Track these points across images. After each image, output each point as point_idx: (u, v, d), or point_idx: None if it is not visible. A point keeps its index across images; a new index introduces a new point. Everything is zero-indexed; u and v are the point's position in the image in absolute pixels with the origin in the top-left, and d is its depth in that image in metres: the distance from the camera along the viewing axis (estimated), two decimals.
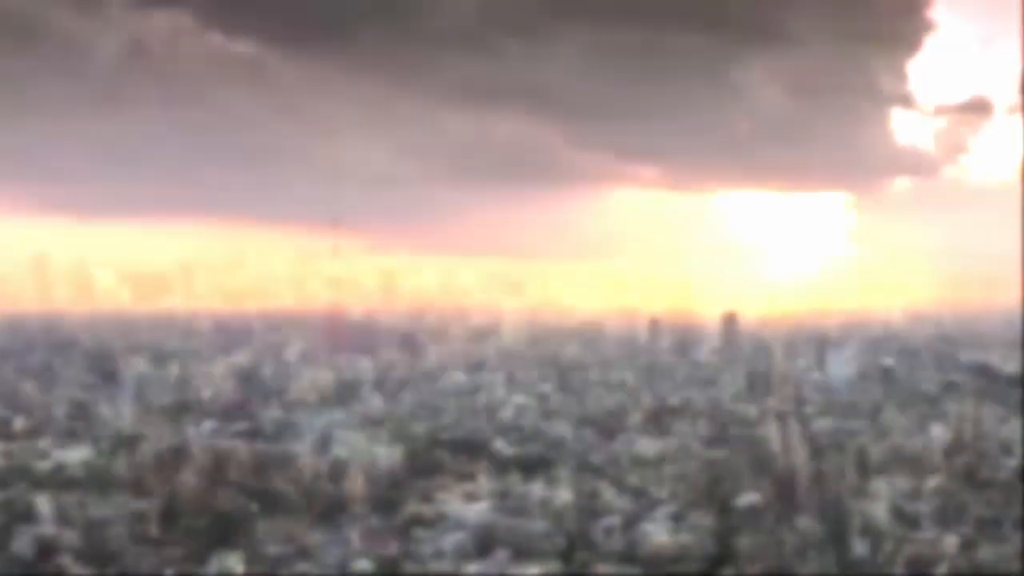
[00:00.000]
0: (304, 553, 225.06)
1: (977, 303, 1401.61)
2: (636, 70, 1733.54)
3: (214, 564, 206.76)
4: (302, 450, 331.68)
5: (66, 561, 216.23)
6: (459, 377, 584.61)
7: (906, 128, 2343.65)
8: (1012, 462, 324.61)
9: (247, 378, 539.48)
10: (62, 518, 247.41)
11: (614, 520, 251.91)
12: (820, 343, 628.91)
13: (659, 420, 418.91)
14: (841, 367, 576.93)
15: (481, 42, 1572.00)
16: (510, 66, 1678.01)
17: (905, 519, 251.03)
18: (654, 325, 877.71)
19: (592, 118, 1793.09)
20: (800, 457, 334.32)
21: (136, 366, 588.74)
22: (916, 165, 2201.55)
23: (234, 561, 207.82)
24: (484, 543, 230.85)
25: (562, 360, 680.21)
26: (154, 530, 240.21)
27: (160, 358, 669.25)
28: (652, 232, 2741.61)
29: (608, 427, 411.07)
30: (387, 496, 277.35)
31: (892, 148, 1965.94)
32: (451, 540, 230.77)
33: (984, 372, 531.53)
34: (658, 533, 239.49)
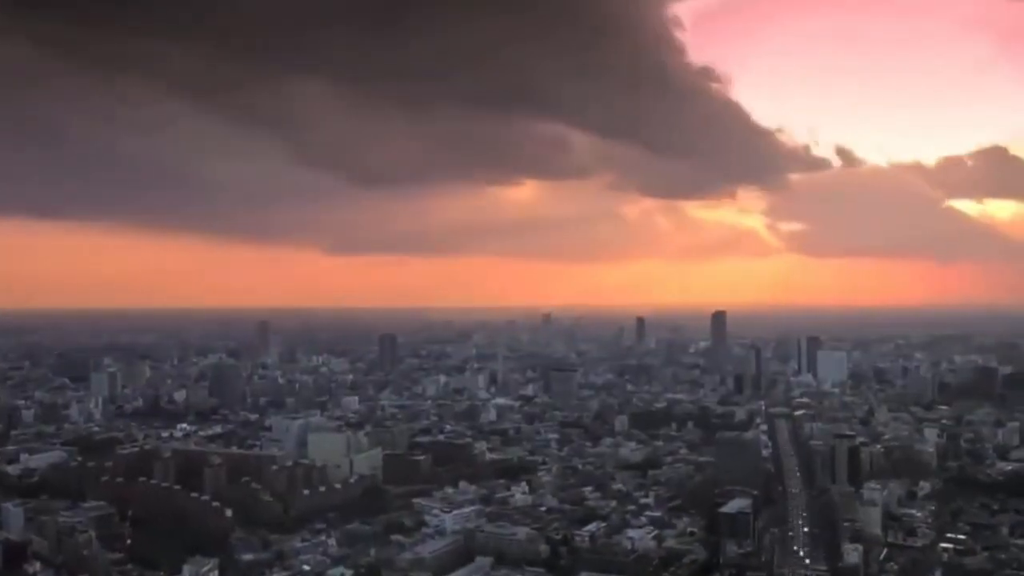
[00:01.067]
0: (280, 560, 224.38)
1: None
2: None
3: (188, 571, 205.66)
4: (278, 454, 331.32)
5: (35, 568, 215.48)
6: (439, 378, 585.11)
7: None
8: (1008, 466, 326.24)
9: (222, 379, 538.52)
10: (32, 524, 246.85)
11: (599, 526, 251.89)
12: (811, 344, 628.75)
13: (646, 423, 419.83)
14: (832, 368, 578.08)
15: None
16: None
17: (899, 524, 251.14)
18: (640, 324, 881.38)
19: None
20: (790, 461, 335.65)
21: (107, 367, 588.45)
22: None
23: (208, 568, 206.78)
24: (466, 550, 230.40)
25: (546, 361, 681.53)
26: (126, 537, 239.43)
27: (132, 358, 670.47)
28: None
29: (593, 430, 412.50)
30: (365, 501, 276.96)
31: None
32: (431, 547, 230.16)
33: (980, 373, 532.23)
34: (645, 539, 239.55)
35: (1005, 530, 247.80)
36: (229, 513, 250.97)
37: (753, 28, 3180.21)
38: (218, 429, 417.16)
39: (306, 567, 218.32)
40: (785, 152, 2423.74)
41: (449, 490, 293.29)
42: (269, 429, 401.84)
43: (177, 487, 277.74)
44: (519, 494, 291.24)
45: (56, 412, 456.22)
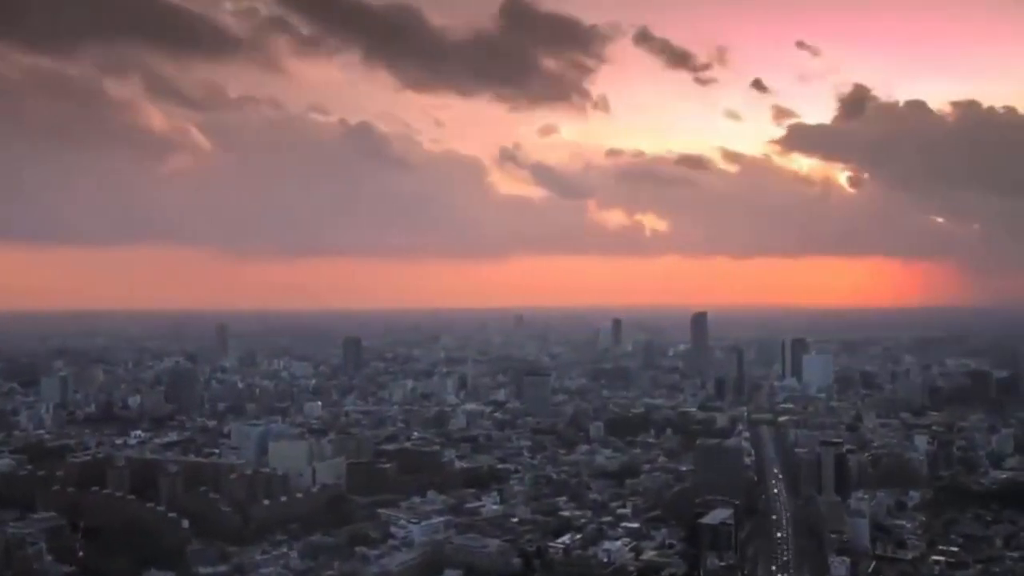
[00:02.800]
0: (239, 573, 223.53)
1: None
2: None
3: None
4: (237, 462, 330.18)
5: None
6: (406, 383, 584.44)
7: None
8: (1003, 475, 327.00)
9: (178, 384, 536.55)
10: None
11: (574, 538, 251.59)
12: (795, 346, 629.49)
13: (622, 430, 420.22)
14: (818, 372, 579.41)
15: None
16: None
17: (888, 536, 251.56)
18: (616, 326, 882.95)
19: None
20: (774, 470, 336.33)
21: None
22: None
23: None
24: (434, 563, 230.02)
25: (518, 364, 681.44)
26: (78, 549, 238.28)
27: (84, 362, 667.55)
28: None
29: (567, 437, 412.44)
30: (329, 512, 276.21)
31: None
32: (398, 559, 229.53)
33: (973, 377, 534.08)
34: (621, 551, 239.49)
35: (999, 542, 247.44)
36: (186, 524, 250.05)
37: None
38: (174, 436, 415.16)
39: None
40: None
41: (416, 500, 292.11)
42: (228, 436, 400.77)
43: (131, 497, 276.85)
44: (490, 504, 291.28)
45: (5, 419, 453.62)
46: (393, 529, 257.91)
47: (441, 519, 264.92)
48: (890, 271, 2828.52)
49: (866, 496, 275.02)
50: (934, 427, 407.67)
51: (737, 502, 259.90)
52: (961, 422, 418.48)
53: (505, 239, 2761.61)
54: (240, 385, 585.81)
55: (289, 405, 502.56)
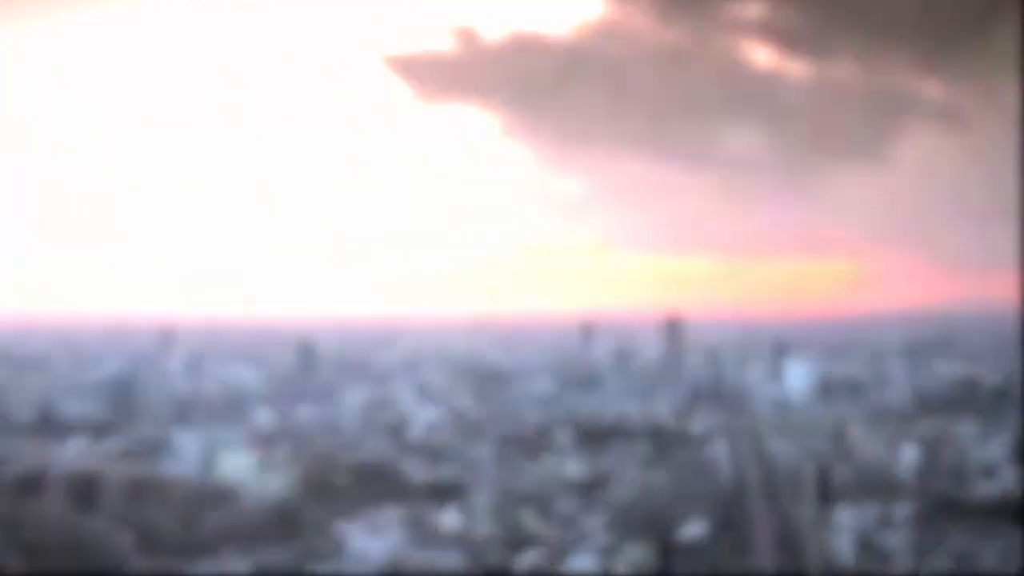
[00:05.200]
0: None
1: None
2: None
3: None
4: (182, 473, 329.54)
5: None
6: (361, 389, 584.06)
7: None
8: (995, 486, 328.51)
9: (120, 390, 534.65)
10: None
11: (539, 554, 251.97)
12: (776, 350, 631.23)
13: (591, 439, 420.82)
14: (799, 378, 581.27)
15: None
16: None
17: (873, 552, 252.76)
18: (586, 329, 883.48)
19: None
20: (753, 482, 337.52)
21: None
22: None
23: None
24: None
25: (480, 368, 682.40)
26: (12, 566, 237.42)
27: (16, 365, 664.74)
28: None
29: (533, 446, 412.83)
30: (279, 525, 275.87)
31: None
32: None
33: (965, 383, 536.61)
34: (589, 568, 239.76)
35: (992, 558, 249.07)
36: (127, 539, 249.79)
37: None
38: (115, 445, 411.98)
39: None
40: None
41: (371, 513, 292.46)
42: (172, 445, 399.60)
43: (69, 510, 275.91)
44: (450, 517, 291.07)
45: None
46: (347, 544, 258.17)
47: (398, 533, 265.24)
48: None
49: (850, 509, 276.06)
50: (923, 436, 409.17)
51: (713, 515, 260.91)
52: (952, 431, 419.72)
53: None
54: (186, 391, 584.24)
55: (238, 412, 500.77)
